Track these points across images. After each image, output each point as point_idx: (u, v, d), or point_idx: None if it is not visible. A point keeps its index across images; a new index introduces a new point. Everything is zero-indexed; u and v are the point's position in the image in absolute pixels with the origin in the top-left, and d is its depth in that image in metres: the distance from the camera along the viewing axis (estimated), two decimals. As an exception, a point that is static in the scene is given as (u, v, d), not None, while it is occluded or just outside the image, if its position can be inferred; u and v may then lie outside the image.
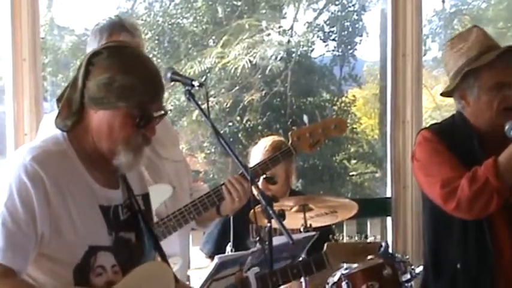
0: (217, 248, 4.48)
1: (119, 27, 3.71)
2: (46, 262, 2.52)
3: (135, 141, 2.58)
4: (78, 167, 2.58)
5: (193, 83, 3.26)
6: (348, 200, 4.82)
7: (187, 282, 3.93)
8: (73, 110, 2.59)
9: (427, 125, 3.79)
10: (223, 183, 3.72)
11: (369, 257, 3.96)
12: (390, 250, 3.99)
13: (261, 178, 4.20)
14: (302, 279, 4.10)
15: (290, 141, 3.88)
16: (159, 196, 3.45)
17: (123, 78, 2.51)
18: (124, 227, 2.66)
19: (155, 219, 3.31)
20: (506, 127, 3.39)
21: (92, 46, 3.68)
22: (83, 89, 2.56)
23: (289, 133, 3.92)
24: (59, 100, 2.65)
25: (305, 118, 3.95)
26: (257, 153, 4.63)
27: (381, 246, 3.77)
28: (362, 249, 3.53)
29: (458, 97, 3.56)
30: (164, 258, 2.76)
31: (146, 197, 2.86)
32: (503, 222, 3.45)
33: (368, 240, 4.17)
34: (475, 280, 3.46)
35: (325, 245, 3.52)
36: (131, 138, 2.57)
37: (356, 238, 4.14)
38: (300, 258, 3.76)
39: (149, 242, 2.74)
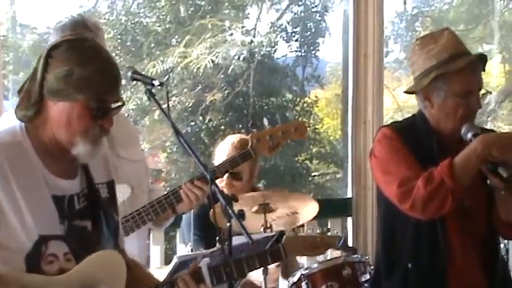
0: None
1: (81, 26, 3.69)
2: None
3: (93, 132, 2.64)
4: (32, 158, 2.64)
5: (154, 82, 3.27)
6: (307, 195, 4.83)
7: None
8: (32, 102, 2.64)
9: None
10: (180, 186, 3.75)
11: (331, 252, 3.91)
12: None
13: (226, 174, 4.20)
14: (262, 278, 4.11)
15: (250, 144, 3.88)
16: (118, 196, 3.46)
17: (81, 70, 2.57)
18: (79, 215, 2.71)
19: None
20: (463, 130, 3.43)
21: (52, 44, 3.66)
22: (42, 81, 2.61)
23: (249, 135, 3.92)
24: (19, 92, 2.70)
25: (265, 121, 3.98)
26: (224, 150, 4.61)
27: (340, 239, 3.79)
28: (321, 243, 3.54)
29: (422, 97, 3.55)
30: (117, 246, 2.81)
31: (111, 184, 2.91)
32: (455, 227, 3.48)
33: (329, 234, 4.18)
34: (426, 281, 3.49)
35: (284, 237, 3.52)
36: (89, 129, 2.63)
37: (318, 231, 4.12)
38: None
39: (108, 230, 2.78)
